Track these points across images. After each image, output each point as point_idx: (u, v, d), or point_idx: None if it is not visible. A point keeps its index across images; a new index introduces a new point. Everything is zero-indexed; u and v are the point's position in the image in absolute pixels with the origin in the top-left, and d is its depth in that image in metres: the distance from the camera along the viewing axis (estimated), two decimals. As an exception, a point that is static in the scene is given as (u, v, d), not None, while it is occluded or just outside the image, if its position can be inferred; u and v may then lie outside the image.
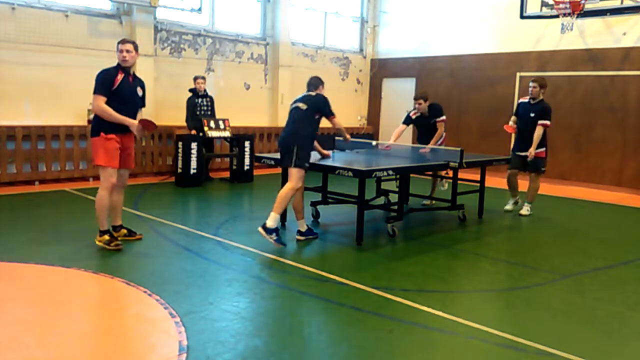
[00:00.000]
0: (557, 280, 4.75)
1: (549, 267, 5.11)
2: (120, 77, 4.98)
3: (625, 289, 4.58)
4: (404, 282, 4.55)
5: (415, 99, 7.58)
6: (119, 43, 5.01)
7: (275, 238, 5.26)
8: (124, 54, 4.99)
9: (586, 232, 6.74)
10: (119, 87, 4.96)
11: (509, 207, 7.70)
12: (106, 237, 5.04)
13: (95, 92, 4.90)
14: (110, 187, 5.02)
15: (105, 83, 4.91)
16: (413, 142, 8.05)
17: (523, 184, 7.76)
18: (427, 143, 7.50)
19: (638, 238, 6.58)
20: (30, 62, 8.51)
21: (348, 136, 6.09)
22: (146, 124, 4.99)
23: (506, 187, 7.77)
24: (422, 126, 7.67)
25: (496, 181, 9.17)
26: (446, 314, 3.82)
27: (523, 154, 7.34)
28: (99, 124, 4.96)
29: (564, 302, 4.23)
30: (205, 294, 4.08)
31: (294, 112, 5.60)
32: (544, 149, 7.32)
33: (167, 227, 6.06)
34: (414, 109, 7.62)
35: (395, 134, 7.59)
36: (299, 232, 5.74)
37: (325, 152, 6.18)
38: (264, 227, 5.26)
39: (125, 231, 5.43)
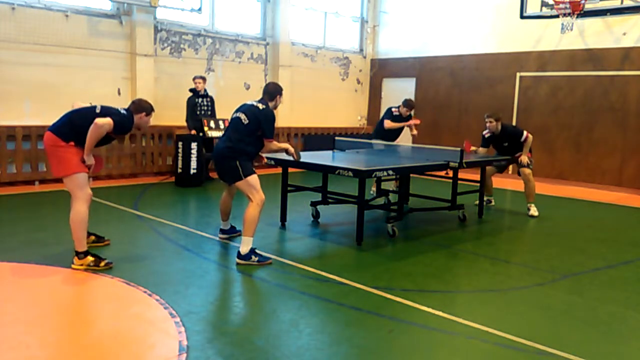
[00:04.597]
0: (557, 280, 4.76)
1: (549, 267, 5.11)
2: None
3: (625, 289, 4.58)
4: (404, 282, 4.55)
5: (411, 107, 8.22)
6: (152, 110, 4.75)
7: (256, 259, 4.76)
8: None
9: (586, 232, 6.74)
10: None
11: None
12: (90, 258, 4.47)
13: (110, 117, 4.41)
14: (89, 198, 4.49)
15: (124, 127, 4.58)
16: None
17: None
18: (394, 139, 8.33)
19: (638, 238, 6.57)
20: (30, 62, 8.51)
21: (296, 155, 5.27)
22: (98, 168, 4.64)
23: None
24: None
25: (496, 181, 9.15)
26: (446, 314, 3.82)
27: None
28: (75, 134, 4.39)
29: (564, 302, 4.23)
30: (205, 294, 4.09)
31: (235, 122, 4.92)
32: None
33: (167, 227, 6.06)
34: (397, 107, 8.27)
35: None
36: (222, 231, 5.63)
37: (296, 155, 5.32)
38: (239, 256, 4.77)
39: (93, 237, 5.05)
